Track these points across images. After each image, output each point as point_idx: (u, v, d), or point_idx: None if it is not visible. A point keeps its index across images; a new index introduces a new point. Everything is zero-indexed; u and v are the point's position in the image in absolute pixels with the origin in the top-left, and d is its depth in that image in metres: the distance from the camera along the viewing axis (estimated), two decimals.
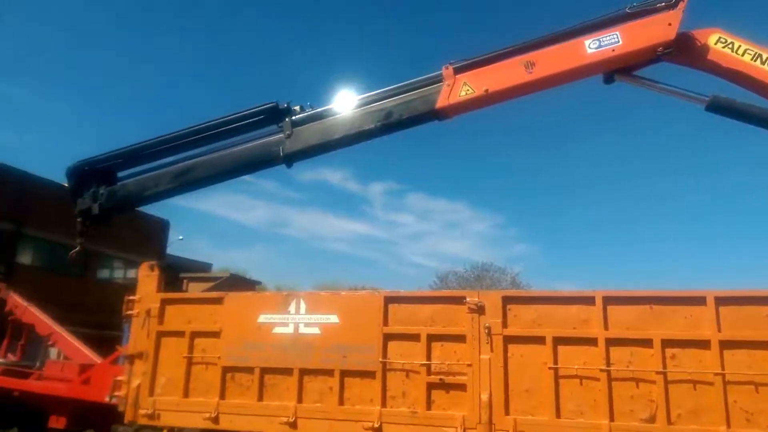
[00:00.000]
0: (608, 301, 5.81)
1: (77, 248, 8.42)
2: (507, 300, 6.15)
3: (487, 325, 6.03)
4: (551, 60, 6.51)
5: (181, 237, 40.71)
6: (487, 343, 6.01)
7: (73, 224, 8.33)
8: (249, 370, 6.73)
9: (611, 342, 5.70)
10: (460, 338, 6.15)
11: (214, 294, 7.51)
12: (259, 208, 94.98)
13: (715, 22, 6.40)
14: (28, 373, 9.66)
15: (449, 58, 6.94)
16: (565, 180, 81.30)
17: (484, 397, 5.87)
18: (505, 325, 6.03)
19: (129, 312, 7.44)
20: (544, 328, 5.93)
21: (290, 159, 7.41)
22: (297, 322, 6.71)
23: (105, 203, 8.04)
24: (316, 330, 6.63)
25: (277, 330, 6.76)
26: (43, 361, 10.13)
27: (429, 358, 6.17)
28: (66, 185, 8.46)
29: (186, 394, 6.92)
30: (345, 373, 6.40)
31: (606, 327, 5.75)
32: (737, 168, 75.59)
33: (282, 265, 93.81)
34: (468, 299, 6.20)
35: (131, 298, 7.49)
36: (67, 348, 10.10)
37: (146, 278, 7.55)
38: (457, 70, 6.83)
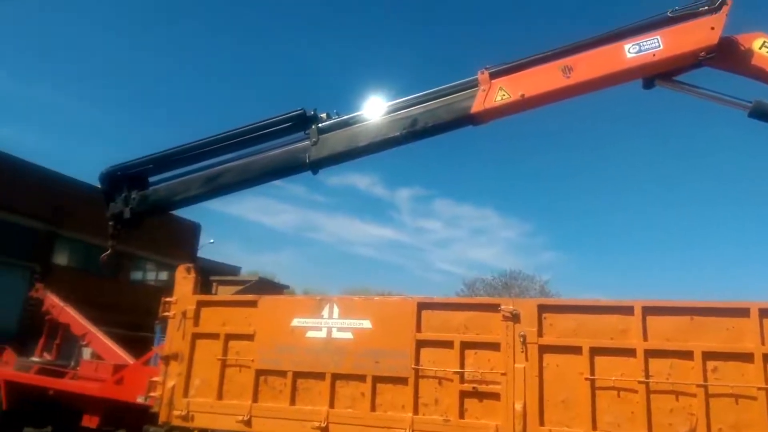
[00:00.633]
0: (648, 311, 5.69)
1: (109, 251, 8.62)
2: (543, 308, 6.07)
3: (522, 333, 5.95)
4: (590, 64, 6.40)
5: (212, 240, 41.27)
6: (522, 351, 5.93)
7: (108, 226, 8.50)
8: (282, 373, 6.76)
9: (650, 353, 5.58)
10: (494, 346, 6.08)
11: (248, 297, 7.58)
12: (288, 212, 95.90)
13: (759, 26, 6.25)
14: (63, 373, 9.84)
15: (483, 63, 6.88)
16: (595, 186, 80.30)
17: (519, 407, 5.79)
18: (540, 333, 5.95)
19: (165, 313, 7.55)
20: (581, 337, 5.83)
21: (316, 166, 7.46)
22: (330, 326, 6.72)
23: (136, 207, 8.18)
24: (348, 335, 6.62)
25: (310, 334, 6.78)
26: (77, 361, 10.33)
27: (462, 365, 6.11)
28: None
29: (220, 396, 6.98)
30: (377, 379, 6.37)
31: (645, 338, 5.63)
32: None
33: (309, 269, 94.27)
34: (503, 307, 6.13)
35: (168, 299, 7.60)
36: (101, 348, 10.29)
37: (183, 280, 7.65)
38: (493, 75, 6.76)
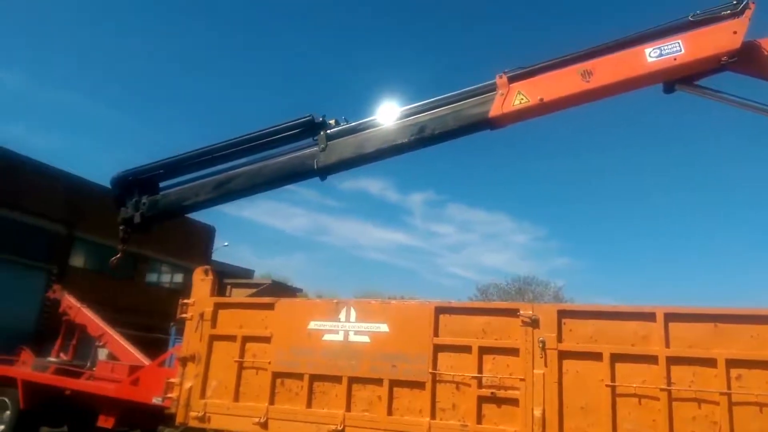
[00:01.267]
0: (670, 317, 5.62)
1: (118, 254, 8.72)
2: (562, 314, 6.02)
3: (541, 339, 5.90)
4: (610, 68, 6.35)
5: (226, 243, 41.28)
6: (541, 357, 5.87)
7: (119, 230, 8.56)
8: (298, 376, 6.76)
9: (672, 360, 5.51)
10: (512, 352, 6.03)
11: (265, 299, 7.60)
12: (300, 216, 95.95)
13: None
14: (79, 373, 9.93)
15: (501, 67, 6.86)
16: (611, 192, 79.54)
17: (537, 413, 5.74)
18: (560, 339, 5.89)
19: (183, 315, 7.59)
20: (601, 344, 5.76)
21: (325, 172, 7.51)
22: (347, 329, 6.71)
23: (146, 212, 8.27)
24: (365, 338, 6.61)
25: (327, 337, 6.77)
26: (93, 361, 10.40)
27: (480, 370, 6.07)
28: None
29: (236, 398, 6.99)
30: (394, 383, 6.35)
31: (667, 345, 5.55)
32: None
33: (320, 273, 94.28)
34: (522, 312, 6.09)
35: (185, 301, 7.64)
36: (117, 349, 10.35)
37: (201, 282, 7.69)
38: (512, 79, 6.73)
